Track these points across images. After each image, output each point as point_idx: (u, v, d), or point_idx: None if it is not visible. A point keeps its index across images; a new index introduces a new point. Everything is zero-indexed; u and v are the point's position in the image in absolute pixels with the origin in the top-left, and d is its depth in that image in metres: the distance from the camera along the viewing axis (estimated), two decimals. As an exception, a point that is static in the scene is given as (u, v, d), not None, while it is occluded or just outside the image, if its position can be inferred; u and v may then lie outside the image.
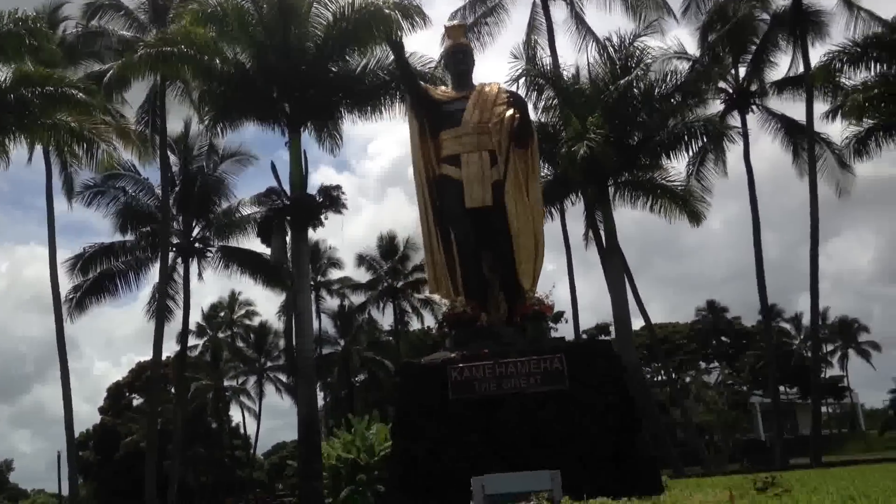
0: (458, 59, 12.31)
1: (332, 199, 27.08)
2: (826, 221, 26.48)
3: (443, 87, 12.54)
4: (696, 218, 26.87)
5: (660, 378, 65.57)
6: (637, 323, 35.73)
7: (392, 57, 27.35)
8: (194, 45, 24.60)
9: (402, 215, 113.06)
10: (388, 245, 51.01)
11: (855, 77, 26.69)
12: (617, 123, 25.84)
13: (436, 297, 12.94)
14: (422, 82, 12.77)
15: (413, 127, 12.19)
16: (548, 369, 10.32)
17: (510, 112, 11.75)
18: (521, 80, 26.55)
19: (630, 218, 76.28)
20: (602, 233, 27.16)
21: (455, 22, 12.42)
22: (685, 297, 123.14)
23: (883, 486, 7.72)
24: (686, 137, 26.76)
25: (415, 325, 54.10)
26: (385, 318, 55.07)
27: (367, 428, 32.74)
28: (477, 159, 11.64)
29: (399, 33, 12.16)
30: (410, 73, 12.37)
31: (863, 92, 24.85)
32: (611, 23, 77.09)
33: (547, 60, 28.19)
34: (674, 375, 68.85)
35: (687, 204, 26.81)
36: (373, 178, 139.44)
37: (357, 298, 53.55)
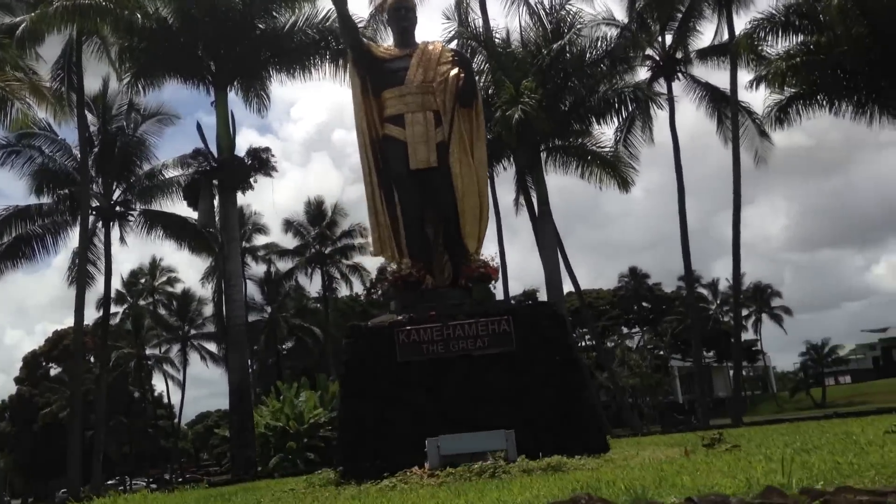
0: (401, 15, 11.97)
1: (261, 162, 26.53)
2: (741, 189, 27.26)
3: (385, 45, 12.24)
4: (625, 185, 27.21)
5: (584, 343, 66.89)
6: (564, 289, 36.11)
7: (321, 16, 27.19)
8: (114, -2, 23.56)
9: (329, 180, 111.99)
10: (316, 210, 50.36)
11: (777, 46, 27.33)
12: (549, 88, 25.85)
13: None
14: (363, 39, 12.37)
15: (355, 85, 11.85)
16: (495, 331, 10.27)
17: (454, 71, 11.53)
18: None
19: (553, 185, 76.96)
20: (534, 198, 27.27)
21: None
22: (607, 264, 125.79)
23: (826, 439, 7.91)
24: (616, 104, 26.97)
25: (343, 291, 53.73)
26: (313, 285, 54.57)
27: (295, 395, 32.44)
28: (421, 119, 11.43)
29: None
30: (353, 28, 12.00)
31: (785, 60, 25.33)
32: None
33: (478, 23, 27.94)
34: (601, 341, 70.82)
35: (617, 170, 27.10)
36: (297, 143, 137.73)
37: (284, 265, 52.87)
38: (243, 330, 25.26)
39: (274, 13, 26.79)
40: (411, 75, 11.54)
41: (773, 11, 26.49)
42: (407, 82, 11.51)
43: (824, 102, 26.70)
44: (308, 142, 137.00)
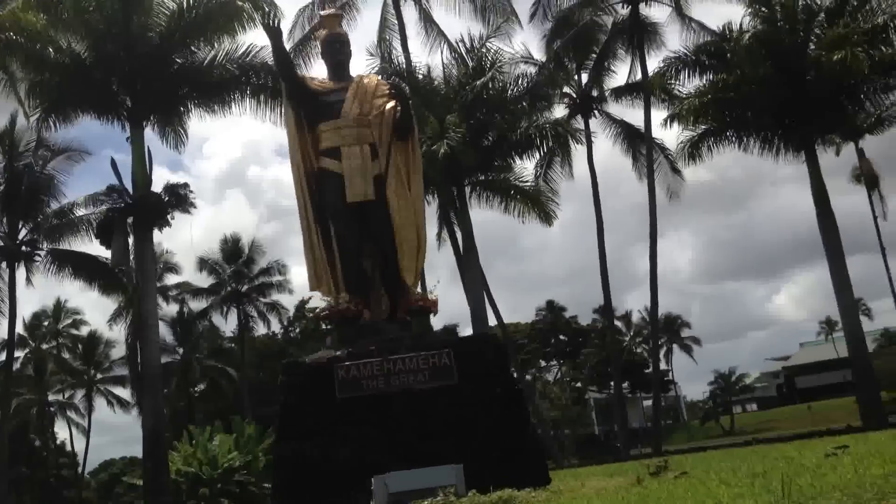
0: (336, 48, 11.93)
1: (179, 198, 25.85)
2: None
3: (320, 78, 12.11)
4: (548, 219, 27.60)
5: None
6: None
7: (241, 51, 26.88)
8: (24, 33, 22.79)
9: (243, 218, 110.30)
10: (233, 248, 49.34)
11: (688, 85, 28.42)
12: (472, 124, 26.15)
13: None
14: (298, 72, 12.19)
15: (289, 118, 11.71)
16: (436, 365, 10.14)
17: (391, 104, 11.53)
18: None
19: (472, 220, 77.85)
20: (458, 233, 27.39)
21: (331, 10, 12.09)
22: (524, 298, 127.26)
23: (769, 463, 8.02)
24: (537, 139, 27.42)
25: (260, 330, 52.59)
26: (228, 325, 53.31)
27: (208, 439, 31.31)
28: (358, 152, 11.34)
29: (277, 18, 11.61)
30: (288, 61, 11.84)
31: (698, 97, 26.31)
32: (460, 26, 78.50)
33: (401, 59, 28.14)
34: (521, 374, 71.60)
35: (539, 205, 27.49)
36: (210, 180, 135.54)
37: (197, 304, 51.45)
38: (159, 373, 24.42)
39: (193, 48, 26.33)
40: (347, 108, 11.46)
41: (685, 51, 27.58)
42: (343, 115, 11.42)
43: (733, 139, 27.80)
44: (221, 179, 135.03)
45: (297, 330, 62.62)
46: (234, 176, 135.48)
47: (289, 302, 53.09)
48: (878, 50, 24.54)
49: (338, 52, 11.95)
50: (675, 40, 32.72)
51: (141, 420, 25.86)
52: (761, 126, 27.18)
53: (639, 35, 31.48)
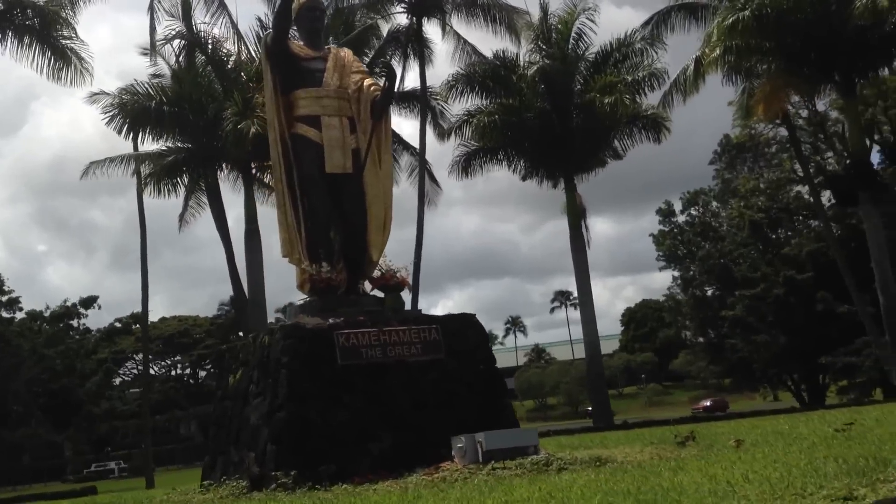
0: (315, 16, 11.86)
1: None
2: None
3: (298, 42, 11.82)
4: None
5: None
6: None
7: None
8: None
9: None
10: None
11: (456, 104, 30.35)
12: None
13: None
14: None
15: (268, 78, 11.41)
16: (427, 339, 10.67)
17: (368, 81, 11.75)
18: (176, 42, 25.25)
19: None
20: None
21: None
22: (192, 291, 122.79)
23: (799, 435, 9.30)
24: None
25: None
26: None
27: None
28: (337, 124, 11.42)
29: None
30: (290, 15, 11.39)
31: (486, 115, 28.26)
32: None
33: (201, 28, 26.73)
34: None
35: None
36: None
37: None
38: None
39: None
40: (328, 79, 11.46)
41: (471, 71, 29.58)
42: (324, 85, 11.39)
43: (502, 159, 30.33)
44: None
45: None
46: None
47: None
48: (639, 99, 28.37)
49: (316, 20, 11.91)
50: (441, 58, 34.61)
51: None
52: (529, 152, 29.86)
53: (419, 47, 32.59)
